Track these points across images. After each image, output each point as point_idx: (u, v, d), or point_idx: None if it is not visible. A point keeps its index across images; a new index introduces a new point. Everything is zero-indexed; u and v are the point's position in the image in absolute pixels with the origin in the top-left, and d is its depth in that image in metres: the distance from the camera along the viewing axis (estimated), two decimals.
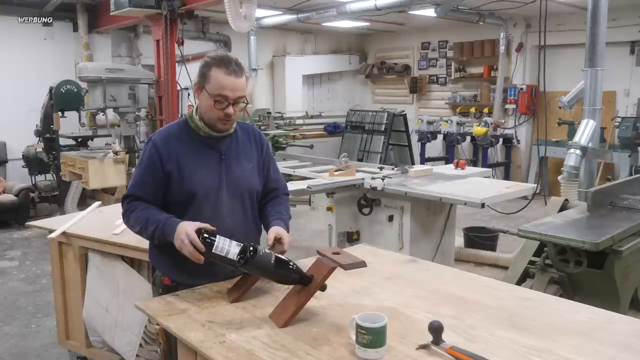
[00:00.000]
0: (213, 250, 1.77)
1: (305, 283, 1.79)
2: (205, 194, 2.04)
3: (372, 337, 1.48)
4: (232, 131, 2.12)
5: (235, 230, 2.01)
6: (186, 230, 1.85)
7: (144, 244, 2.37)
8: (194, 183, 2.02)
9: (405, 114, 10.00)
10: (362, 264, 1.82)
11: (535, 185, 5.15)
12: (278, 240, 2.00)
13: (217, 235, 1.81)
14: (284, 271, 1.79)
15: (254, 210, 2.19)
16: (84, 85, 6.82)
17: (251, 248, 1.75)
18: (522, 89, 9.54)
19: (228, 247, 1.80)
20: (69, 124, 7.34)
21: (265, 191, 2.25)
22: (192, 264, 1.91)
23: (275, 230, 2.04)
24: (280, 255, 1.82)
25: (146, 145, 2.08)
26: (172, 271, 2.09)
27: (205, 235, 1.81)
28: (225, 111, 1.99)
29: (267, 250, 1.79)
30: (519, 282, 3.43)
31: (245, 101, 2.06)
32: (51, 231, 3.14)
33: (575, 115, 6.85)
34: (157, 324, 2.04)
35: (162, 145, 2.04)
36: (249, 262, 1.74)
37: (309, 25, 9.87)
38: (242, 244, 1.80)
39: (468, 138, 9.58)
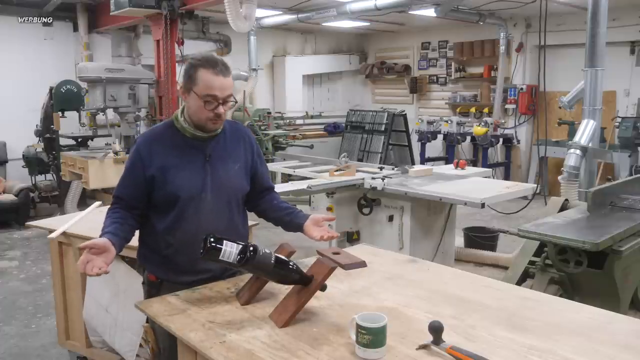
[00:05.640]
0: (220, 258, 1.74)
1: (305, 283, 1.78)
2: (189, 196, 2.05)
3: (372, 337, 1.48)
4: (218, 131, 2.13)
5: (220, 231, 1.99)
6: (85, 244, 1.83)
7: None
8: (177, 186, 2.03)
9: (405, 114, 10.00)
10: (362, 264, 1.82)
11: (535, 185, 5.16)
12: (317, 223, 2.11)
13: (224, 241, 1.76)
14: (284, 271, 1.78)
15: (240, 211, 2.20)
16: (84, 85, 6.82)
17: (251, 248, 1.74)
18: (522, 89, 9.54)
19: (234, 251, 1.76)
20: (69, 124, 7.33)
21: (259, 189, 2.27)
22: (176, 262, 2.03)
23: (314, 218, 2.12)
24: (280, 255, 1.82)
25: (132, 147, 2.14)
26: (156, 268, 2.13)
27: (212, 240, 1.76)
28: (215, 111, 2.00)
29: (267, 250, 1.79)
30: (519, 282, 3.43)
31: (234, 100, 2.08)
32: (51, 231, 3.14)
33: (575, 115, 6.86)
34: (145, 322, 2.05)
35: (145, 150, 2.06)
36: (249, 262, 1.73)
37: (309, 25, 9.87)
38: (241, 244, 1.79)
39: (468, 138, 9.58)
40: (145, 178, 2.04)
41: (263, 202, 2.29)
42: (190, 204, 2.05)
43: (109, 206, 2.12)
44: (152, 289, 2.11)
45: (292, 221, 2.19)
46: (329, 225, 2.09)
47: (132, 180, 2.07)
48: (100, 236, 1.92)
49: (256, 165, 2.24)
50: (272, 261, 1.76)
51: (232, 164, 2.15)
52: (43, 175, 7.76)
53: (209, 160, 2.09)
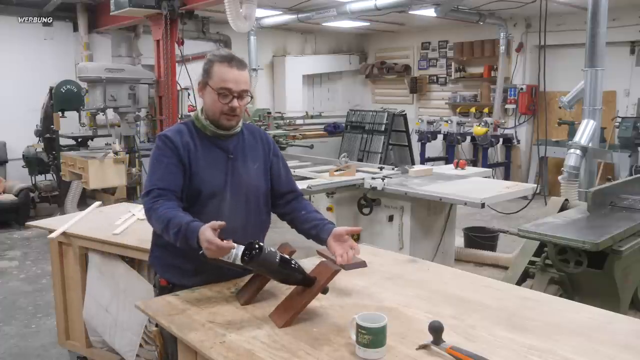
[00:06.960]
0: (221, 258, 1.75)
1: (308, 284, 1.78)
2: (211, 193, 2.03)
3: (372, 337, 1.48)
4: (238, 130, 2.12)
5: (236, 230, 1.99)
6: (207, 239, 1.74)
7: (144, 244, 2.37)
8: (201, 181, 2.02)
9: (405, 114, 9.99)
10: (362, 264, 1.82)
11: (535, 185, 5.16)
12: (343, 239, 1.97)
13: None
14: (287, 270, 1.78)
15: (258, 210, 2.17)
16: (84, 85, 6.81)
17: (257, 246, 1.74)
18: (522, 89, 9.54)
19: (238, 252, 1.76)
20: (69, 124, 7.33)
21: (280, 191, 2.24)
22: (187, 265, 1.96)
23: (335, 233, 1.99)
24: (284, 255, 1.81)
25: (158, 141, 2.05)
26: (168, 272, 2.10)
27: None
28: (230, 105, 1.99)
29: (272, 249, 1.78)
30: (519, 282, 3.43)
31: (250, 95, 2.06)
32: (51, 231, 3.14)
33: (575, 115, 6.86)
34: (155, 326, 2.04)
35: (176, 139, 2.03)
36: (254, 260, 1.72)
37: (309, 25, 9.87)
38: (244, 244, 1.78)
39: (468, 138, 9.58)
40: (183, 164, 1.99)
41: (290, 209, 2.23)
42: (211, 201, 2.03)
43: (150, 202, 1.93)
44: (164, 294, 2.05)
45: (317, 236, 2.08)
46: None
47: (176, 167, 1.99)
48: (185, 227, 1.81)
49: (273, 164, 2.22)
50: (277, 260, 1.75)
51: (252, 163, 2.14)
52: (43, 175, 7.76)
53: (231, 158, 2.08)
